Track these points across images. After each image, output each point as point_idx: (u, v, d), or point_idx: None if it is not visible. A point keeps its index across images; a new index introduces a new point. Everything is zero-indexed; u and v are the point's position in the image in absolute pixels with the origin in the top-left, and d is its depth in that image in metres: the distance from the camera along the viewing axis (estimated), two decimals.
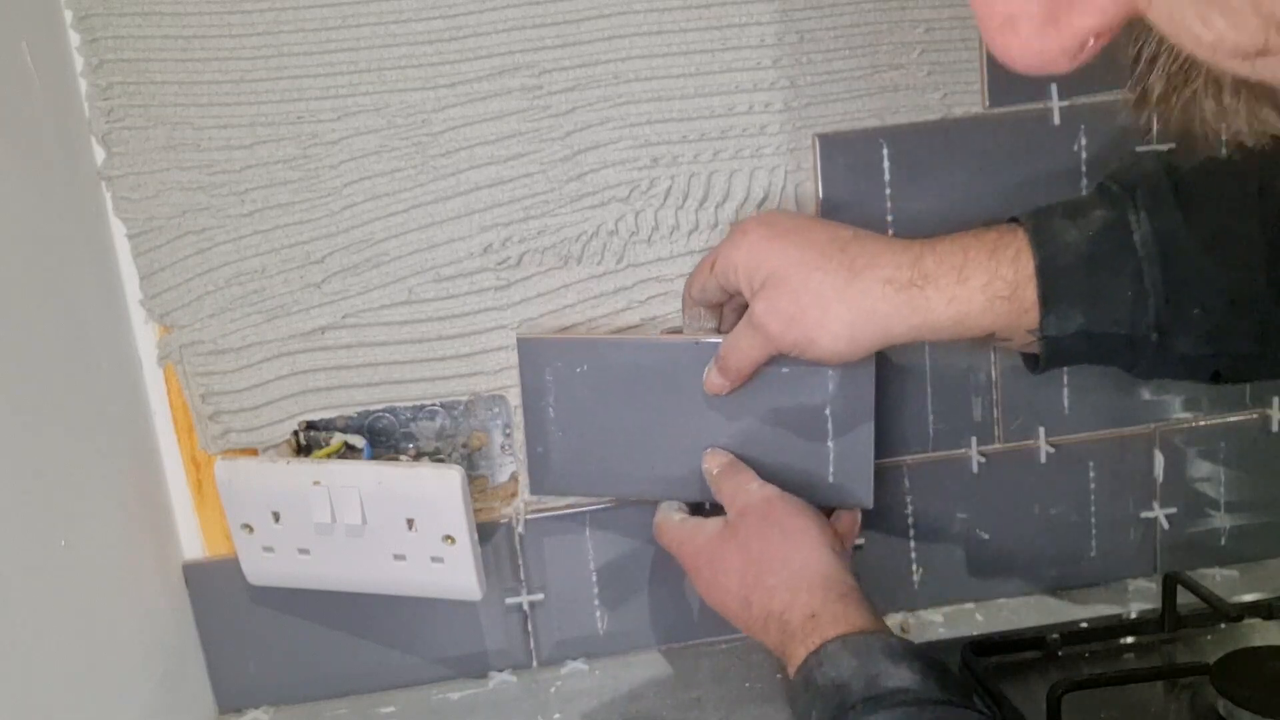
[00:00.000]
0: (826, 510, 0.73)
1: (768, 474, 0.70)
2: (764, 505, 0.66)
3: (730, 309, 0.71)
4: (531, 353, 0.72)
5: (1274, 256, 0.58)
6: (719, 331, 0.71)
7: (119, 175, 0.68)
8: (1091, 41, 0.26)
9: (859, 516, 0.73)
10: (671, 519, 0.71)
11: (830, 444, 0.71)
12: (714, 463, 0.71)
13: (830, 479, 0.71)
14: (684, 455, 0.72)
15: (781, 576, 0.62)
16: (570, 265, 0.72)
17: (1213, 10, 0.22)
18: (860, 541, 0.78)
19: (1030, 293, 0.59)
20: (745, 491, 0.68)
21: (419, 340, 0.72)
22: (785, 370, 0.69)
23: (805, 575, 0.62)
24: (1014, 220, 0.62)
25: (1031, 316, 0.60)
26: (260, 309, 0.71)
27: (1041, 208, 0.63)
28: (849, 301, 0.60)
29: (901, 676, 0.54)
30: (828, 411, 0.70)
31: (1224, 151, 0.60)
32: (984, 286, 0.59)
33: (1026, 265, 0.59)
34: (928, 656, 0.56)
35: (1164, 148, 0.72)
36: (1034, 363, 0.63)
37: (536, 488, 0.74)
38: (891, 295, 0.60)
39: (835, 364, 0.67)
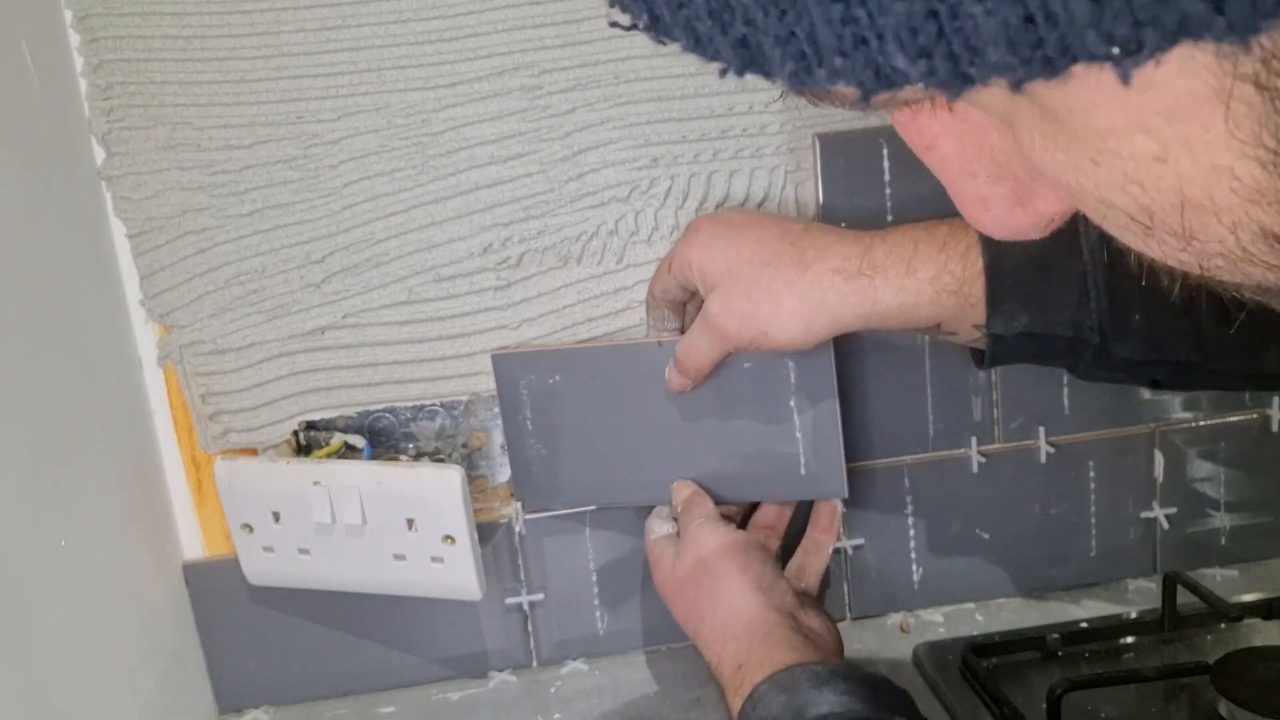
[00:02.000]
0: (805, 505, 0.74)
1: (742, 472, 0.71)
2: (697, 546, 0.68)
3: (693, 306, 0.71)
4: (505, 368, 0.72)
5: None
6: (683, 330, 0.71)
7: (119, 175, 0.68)
8: (1057, 219, 0.28)
9: (838, 508, 0.74)
10: (649, 534, 0.73)
11: (799, 435, 0.71)
12: (679, 496, 0.72)
13: (803, 471, 0.72)
14: (661, 459, 0.72)
15: (711, 626, 0.65)
16: (570, 265, 0.72)
17: (1151, 241, 0.24)
18: (860, 541, 0.78)
19: (977, 289, 0.60)
20: (688, 531, 0.69)
21: (419, 340, 0.72)
22: (747, 365, 0.70)
23: (730, 625, 0.64)
24: None
25: (978, 312, 0.60)
26: (260, 309, 0.71)
27: None
28: (800, 293, 0.61)
29: (826, 702, 0.55)
30: (793, 403, 0.71)
31: None
32: (932, 279, 0.60)
33: (975, 262, 0.60)
34: (857, 675, 0.57)
35: None
36: (980, 358, 0.64)
37: (524, 502, 0.75)
38: (841, 285, 0.61)
39: (792, 353, 0.68)
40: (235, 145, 0.69)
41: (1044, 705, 0.63)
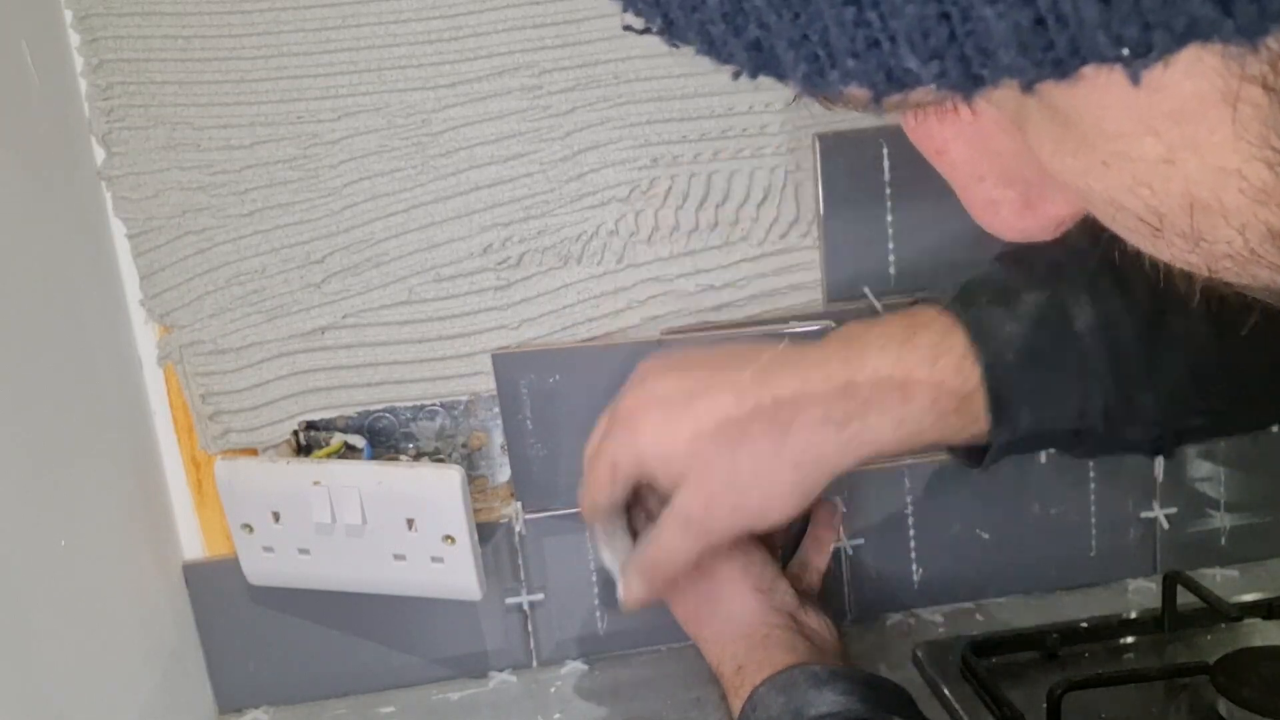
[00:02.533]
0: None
1: None
2: None
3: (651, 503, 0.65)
4: (505, 368, 0.72)
5: (1220, 330, 0.54)
6: (633, 533, 0.64)
7: (119, 175, 0.68)
8: (1065, 221, 0.28)
9: (839, 505, 0.73)
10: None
11: None
12: None
13: None
14: None
15: (712, 628, 0.65)
16: (570, 265, 0.72)
17: (1159, 243, 0.24)
18: (860, 541, 0.78)
19: (978, 402, 0.55)
20: None
21: (419, 340, 0.72)
22: None
23: (729, 628, 0.64)
24: (928, 301, 0.57)
25: (981, 425, 0.55)
26: (260, 309, 0.71)
27: (963, 292, 0.57)
28: (791, 461, 0.56)
29: (826, 701, 0.55)
30: None
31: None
32: (932, 404, 0.55)
33: (972, 374, 0.54)
34: (856, 675, 0.57)
35: None
36: (972, 458, 0.59)
37: (524, 502, 0.75)
38: (834, 436, 0.55)
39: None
40: (235, 145, 0.68)
41: (1044, 705, 0.63)
